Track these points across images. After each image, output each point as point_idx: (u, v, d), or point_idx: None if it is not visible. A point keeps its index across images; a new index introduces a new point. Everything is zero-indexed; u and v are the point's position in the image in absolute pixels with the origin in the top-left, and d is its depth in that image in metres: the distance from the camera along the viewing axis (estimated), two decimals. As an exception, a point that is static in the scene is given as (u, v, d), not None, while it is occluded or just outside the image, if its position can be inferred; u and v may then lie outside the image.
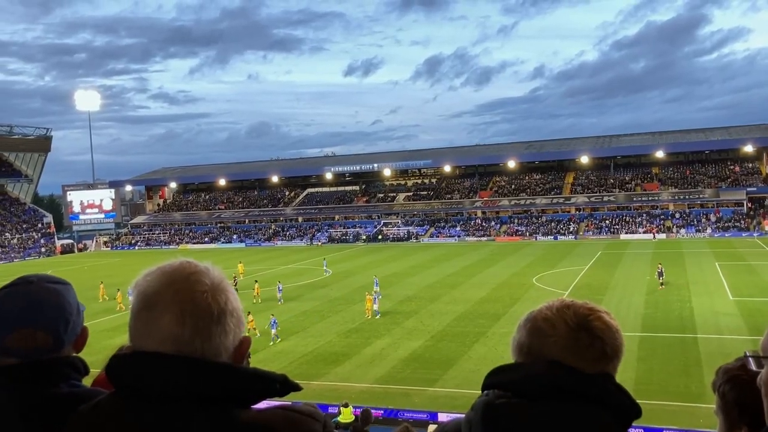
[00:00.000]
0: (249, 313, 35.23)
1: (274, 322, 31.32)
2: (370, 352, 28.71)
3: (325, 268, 55.71)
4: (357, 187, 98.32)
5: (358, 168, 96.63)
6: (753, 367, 1.51)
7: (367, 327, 33.45)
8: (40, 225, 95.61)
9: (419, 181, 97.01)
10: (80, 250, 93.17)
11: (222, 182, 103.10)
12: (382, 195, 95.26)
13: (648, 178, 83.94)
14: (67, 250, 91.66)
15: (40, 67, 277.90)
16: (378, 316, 35.09)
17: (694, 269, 47.24)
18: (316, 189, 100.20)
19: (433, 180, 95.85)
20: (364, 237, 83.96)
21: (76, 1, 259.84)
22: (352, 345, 30.04)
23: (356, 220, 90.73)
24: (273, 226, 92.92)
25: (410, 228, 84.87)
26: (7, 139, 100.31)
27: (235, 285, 44.49)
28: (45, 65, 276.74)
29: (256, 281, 43.45)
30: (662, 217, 76.70)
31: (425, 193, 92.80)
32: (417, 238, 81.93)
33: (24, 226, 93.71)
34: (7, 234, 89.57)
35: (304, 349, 29.75)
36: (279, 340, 30.90)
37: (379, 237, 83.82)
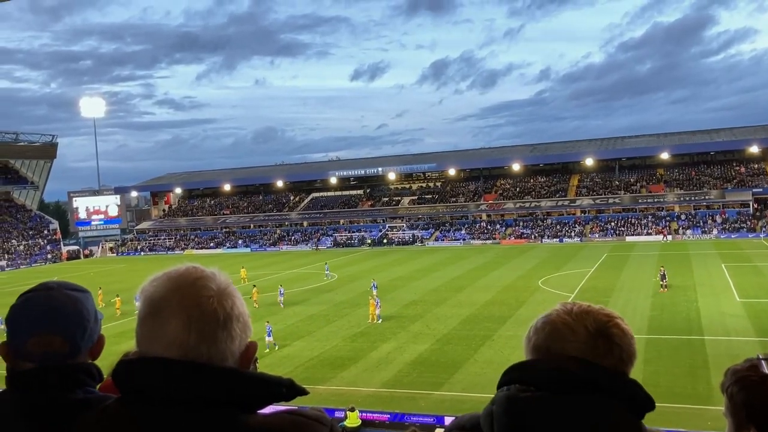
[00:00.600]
0: (255, 317, 35.27)
1: (270, 330, 30.70)
2: (376, 356, 28.68)
3: (327, 272, 55.67)
4: (362, 191, 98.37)
5: (362, 172, 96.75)
6: (765, 370, 1.51)
7: (373, 331, 33.43)
8: (46, 231, 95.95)
9: (424, 185, 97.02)
10: (86, 256, 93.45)
11: (227, 187, 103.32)
12: (386, 199, 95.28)
13: (653, 180, 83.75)
14: (73, 256, 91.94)
15: (47, 75, 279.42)
16: (380, 321, 35.02)
17: (701, 271, 47.07)
18: (321, 193, 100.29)
19: (438, 183, 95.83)
20: (369, 241, 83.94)
21: (85, 8, 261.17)
22: (358, 349, 30.01)
23: (361, 224, 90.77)
24: (278, 231, 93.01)
25: (415, 232, 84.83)
26: (13, 147, 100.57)
27: None
28: (51, 72, 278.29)
29: (254, 286, 43.48)
30: (668, 218, 76.50)
31: (430, 196, 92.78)
32: (422, 242, 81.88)
33: (30, 232, 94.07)
34: (13, 241, 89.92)
35: (310, 354, 29.73)
36: (274, 348, 30.19)
37: (384, 241, 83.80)
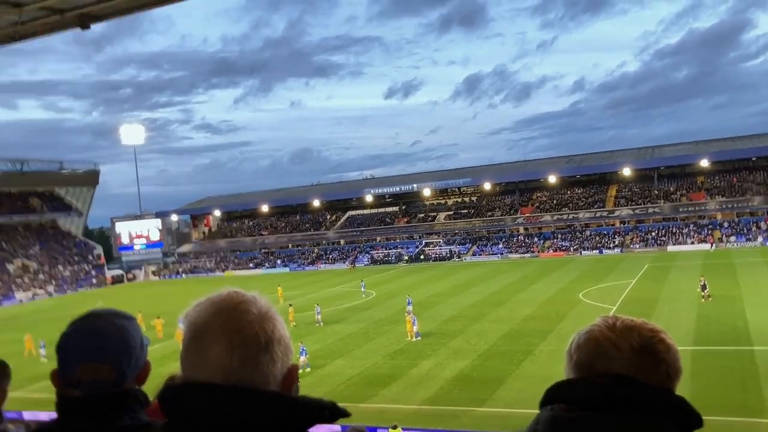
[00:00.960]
0: (295, 337, 35.39)
1: (303, 350, 30.10)
2: (417, 373, 28.57)
3: (363, 290, 55.71)
4: (397, 208, 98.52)
5: (398, 189, 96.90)
6: None
7: (413, 348, 33.33)
8: (90, 257, 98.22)
9: (459, 200, 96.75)
10: (129, 280, 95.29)
11: (265, 208, 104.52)
12: (422, 215, 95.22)
13: (694, 188, 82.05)
14: (117, 280, 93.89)
15: (88, 104, 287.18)
16: (419, 338, 34.85)
17: (747, 279, 45.84)
18: (357, 211, 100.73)
19: (474, 198, 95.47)
20: (406, 258, 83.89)
21: (125, 38, 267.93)
22: (399, 366, 29.94)
23: (398, 240, 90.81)
24: (316, 250, 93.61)
25: (452, 247, 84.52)
26: (58, 175, 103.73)
27: None
28: (93, 101, 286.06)
29: (290, 305, 43.77)
30: (710, 227, 74.79)
31: (466, 211, 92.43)
32: (459, 257, 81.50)
33: (75, 258, 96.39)
34: (60, 266, 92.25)
35: (350, 372, 29.76)
36: (308, 369, 29.76)
37: (422, 257, 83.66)
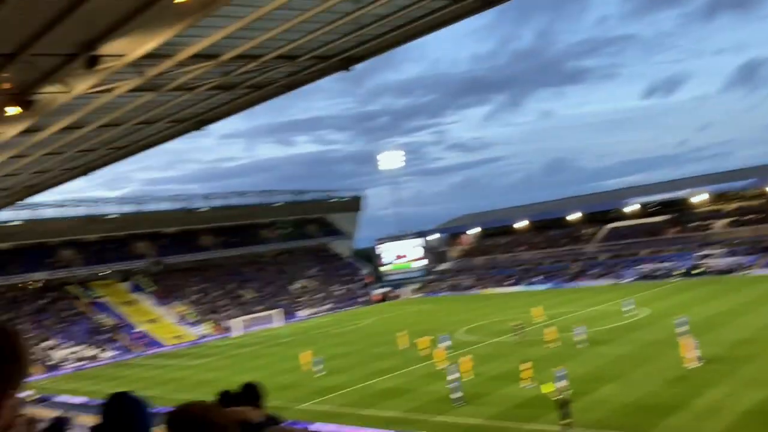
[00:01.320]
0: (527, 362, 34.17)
1: (562, 375, 26.45)
2: (703, 403, 25.57)
3: (628, 308, 51.65)
4: (665, 217, 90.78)
5: (664, 196, 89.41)
6: None
7: (695, 375, 29.96)
8: (358, 277, 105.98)
9: (741, 204, 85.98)
10: (394, 298, 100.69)
11: (520, 224, 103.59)
12: (695, 224, 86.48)
13: None
14: (383, 298, 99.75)
15: (350, 135, 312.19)
16: (701, 364, 31.09)
17: None
18: (619, 223, 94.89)
19: (760, 201, 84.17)
20: (680, 271, 76.66)
21: (383, 71, 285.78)
22: (680, 395, 27.09)
23: (667, 253, 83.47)
24: (575, 266, 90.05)
25: (735, 258, 75.27)
26: (327, 203, 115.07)
27: (521, 331, 43.96)
28: (354, 132, 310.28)
29: (549, 326, 42.34)
30: None
31: (751, 217, 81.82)
32: (745, 270, 72.23)
33: (346, 278, 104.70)
34: (333, 286, 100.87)
35: (624, 398, 27.68)
36: (567, 392, 25.53)
37: (697, 271, 75.77)
